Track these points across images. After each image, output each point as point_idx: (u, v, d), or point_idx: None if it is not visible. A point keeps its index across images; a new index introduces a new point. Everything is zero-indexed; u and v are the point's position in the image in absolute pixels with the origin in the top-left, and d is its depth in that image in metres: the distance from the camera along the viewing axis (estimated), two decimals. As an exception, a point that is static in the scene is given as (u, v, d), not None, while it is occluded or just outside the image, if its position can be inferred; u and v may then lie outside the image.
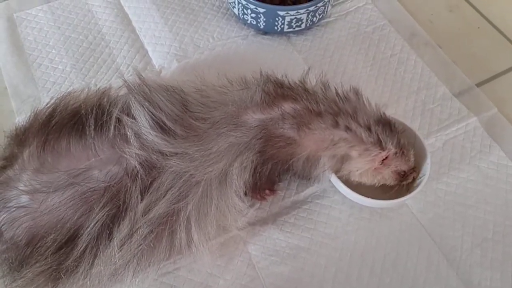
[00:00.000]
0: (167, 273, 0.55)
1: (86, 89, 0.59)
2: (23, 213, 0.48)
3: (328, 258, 0.57)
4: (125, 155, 0.49)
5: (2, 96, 0.71)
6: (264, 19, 0.75)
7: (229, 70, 0.61)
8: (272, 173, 0.56)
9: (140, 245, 0.49)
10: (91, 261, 0.48)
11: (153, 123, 0.51)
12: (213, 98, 0.55)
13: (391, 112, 0.59)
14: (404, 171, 0.57)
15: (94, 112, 0.53)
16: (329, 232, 0.59)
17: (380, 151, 0.54)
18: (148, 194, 0.49)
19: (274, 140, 0.53)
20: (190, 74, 0.63)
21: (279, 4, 0.76)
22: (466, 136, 0.67)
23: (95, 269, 0.48)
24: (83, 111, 0.53)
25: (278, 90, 0.56)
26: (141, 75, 0.57)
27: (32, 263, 0.47)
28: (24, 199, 0.48)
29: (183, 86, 0.56)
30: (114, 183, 0.49)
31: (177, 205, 0.50)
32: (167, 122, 0.51)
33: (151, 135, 0.50)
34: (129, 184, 0.49)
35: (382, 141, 0.54)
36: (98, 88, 0.60)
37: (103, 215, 0.47)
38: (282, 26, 0.75)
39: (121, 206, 0.48)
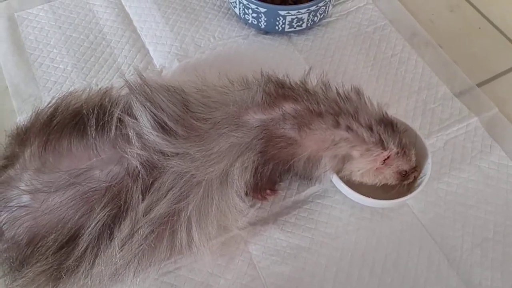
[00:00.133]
0: (168, 273, 0.55)
1: (88, 89, 0.59)
2: (24, 213, 0.48)
3: (329, 258, 0.57)
4: (126, 155, 0.49)
5: (3, 96, 0.71)
6: (265, 19, 0.75)
7: (230, 70, 0.61)
8: (273, 173, 0.56)
9: (141, 245, 0.49)
10: (92, 261, 0.48)
11: (155, 123, 0.51)
12: (214, 98, 0.55)
13: (392, 112, 0.59)
14: (406, 171, 0.57)
15: (95, 112, 0.53)
16: (330, 232, 0.59)
17: (382, 151, 0.54)
18: (149, 194, 0.49)
19: (275, 140, 0.53)
20: (191, 74, 0.63)
21: (280, 3, 0.76)
22: (467, 136, 0.67)
23: (96, 269, 0.48)
24: (84, 111, 0.53)
25: (279, 91, 0.56)
26: (142, 75, 0.57)
27: (33, 263, 0.47)
28: (25, 198, 0.48)
29: (184, 86, 0.56)
30: (115, 183, 0.49)
31: (178, 205, 0.50)
32: (169, 123, 0.51)
33: (153, 135, 0.50)
34: (130, 184, 0.49)
35: (384, 141, 0.54)
36: (100, 88, 0.60)
37: (104, 215, 0.47)
38: (283, 25, 0.75)
39: (122, 206, 0.48)
